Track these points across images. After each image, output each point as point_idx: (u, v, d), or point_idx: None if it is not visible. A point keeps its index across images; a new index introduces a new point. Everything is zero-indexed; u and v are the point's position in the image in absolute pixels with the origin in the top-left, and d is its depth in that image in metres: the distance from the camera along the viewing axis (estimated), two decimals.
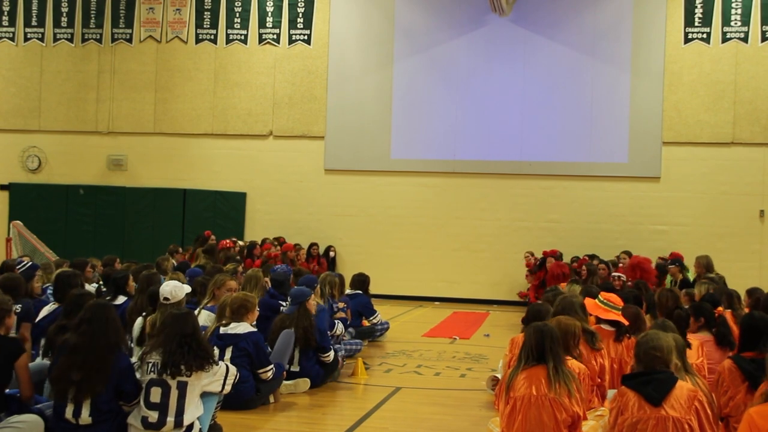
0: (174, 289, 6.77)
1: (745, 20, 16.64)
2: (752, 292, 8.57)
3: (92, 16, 18.96)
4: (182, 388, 5.30)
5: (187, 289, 7.02)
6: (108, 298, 7.76)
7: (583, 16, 17.37)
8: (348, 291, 11.29)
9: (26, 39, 19.12)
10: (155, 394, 5.28)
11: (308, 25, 18.18)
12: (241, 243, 16.09)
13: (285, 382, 7.39)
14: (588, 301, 6.93)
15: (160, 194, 18.39)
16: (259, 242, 16.09)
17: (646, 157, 17.01)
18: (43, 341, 6.91)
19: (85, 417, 5.16)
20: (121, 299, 7.82)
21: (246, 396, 6.74)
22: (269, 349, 7.31)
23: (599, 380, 6.28)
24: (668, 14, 16.98)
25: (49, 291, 8.52)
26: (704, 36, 16.81)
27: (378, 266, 16.52)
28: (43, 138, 19.04)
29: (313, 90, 18.13)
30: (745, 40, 16.64)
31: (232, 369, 5.71)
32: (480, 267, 17.45)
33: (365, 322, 10.86)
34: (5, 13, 19.21)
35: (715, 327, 6.68)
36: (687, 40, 16.90)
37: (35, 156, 19.05)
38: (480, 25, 17.58)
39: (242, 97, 18.37)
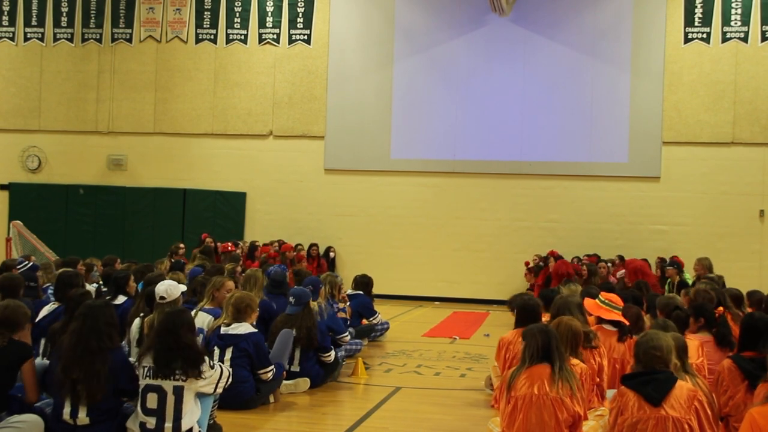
0: (168, 288, 6.75)
1: (745, 20, 16.64)
2: (752, 295, 8.60)
3: (92, 16, 18.96)
4: (178, 392, 5.24)
5: (183, 288, 6.99)
6: (108, 298, 7.74)
7: (583, 16, 17.37)
8: (349, 291, 11.30)
9: (26, 39, 19.12)
10: (152, 400, 5.24)
11: (308, 25, 18.18)
12: (241, 244, 16.11)
13: (285, 382, 7.39)
14: (588, 302, 6.92)
15: (160, 194, 18.39)
16: (260, 244, 16.12)
17: (646, 157, 17.01)
18: (43, 341, 6.91)
19: (83, 417, 5.15)
20: (121, 299, 7.80)
21: (246, 396, 6.74)
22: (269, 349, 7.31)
23: (597, 380, 6.28)
24: (668, 14, 16.98)
25: (49, 291, 8.51)
26: (704, 36, 16.82)
27: (378, 266, 16.51)
28: (43, 138, 19.04)
29: (313, 90, 18.14)
30: (745, 40, 16.65)
31: (226, 372, 5.67)
32: (480, 267, 17.45)
33: (365, 322, 10.85)
34: (5, 13, 19.22)
35: (715, 327, 6.68)
36: (687, 40, 16.90)
37: (35, 156, 19.05)
38: (480, 25, 17.58)
39: (242, 97, 18.37)
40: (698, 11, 16.85)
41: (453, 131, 17.65)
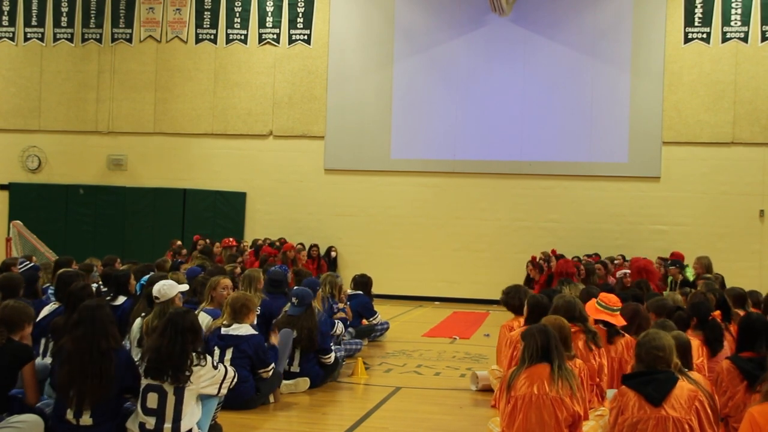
0: (162, 287, 6.74)
1: (745, 20, 16.64)
2: (750, 295, 8.59)
3: (92, 16, 18.96)
4: (179, 393, 5.23)
5: (181, 287, 6.98)
6: (108, 298, 7.73)
7: (583, 16, 17.37)
8: (349, 291, 11.29)
9: (26, 39, 19.13)
10: (152, 400, 5.23)
11: (308, 25, 18.19)
12: (243, 242, 16.13)
13: (285, 381, 7.39)
14: (588, 303, 6.91)
15: (160, 194, 18.39)
16: (261, 242, 16.11)
17: (646, 157, 17.02)
18: (43, 341, 6.91)
19: (86, 418, 5.14)
20: (121, 299, 7.80)
21: (246, 396, 6.74)
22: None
23: (597, 380, 6.28)
24: (668, 14, 16.98)
25: (50, 291, 8.50)
26: (704, 36, 16.82)
27: (378, 266, 16.52)
28: (43, 138, 19.04)
29: (313, 90, 18.14)
30: (745, 40, 16.65)
31: (230, 372, 5.66)
32: (480, 267, 17.45)
33: (365, 322, 10.85)
34: (5, 13, 19.22)
35: (706, 329, 6.66)
36: (687, 40, 16.90)
37: (35, 156, 19.05)
38: (480, 25, 17.59)
39: (242, 97, 18.37)
40: (698, 11, 16.86)
41: (453, 131, 17.65)
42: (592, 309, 6.66)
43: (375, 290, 11.93)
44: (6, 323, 5.36)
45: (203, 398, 5.47)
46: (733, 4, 16.70)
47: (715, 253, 14.48)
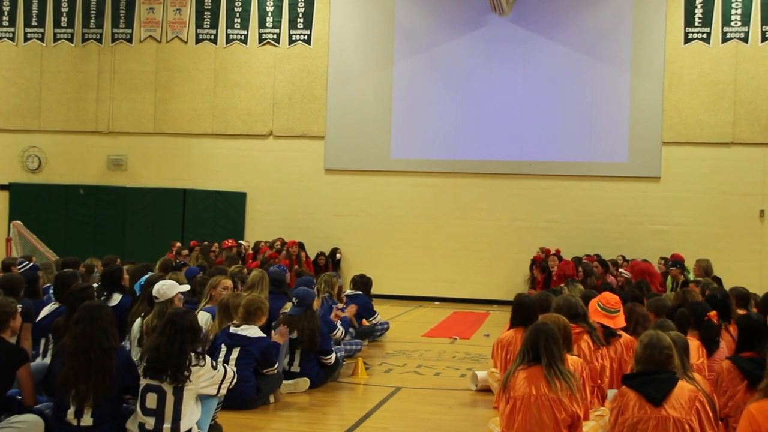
0: (162, 287, 6.75)
1: (745, 20, 16.64)
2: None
3: (92, 16, 18.96)
4: (178, 393, 5.23)
5: (180, 288, 6.98)
6: (102, 297, 7.70)
7: (583, 16, 17.37)
8: (348, 291, 11.29)
9: (26, 39, 19.13)
10: (151, 400, 5.23)
11: (308, 25, 18.18)
12: (244, 243, 16.11)
13: (285, 381, 7.39)
14: (590, 305, 6.91)
15: (160, 194, 18.39)
16: (261, 243, 16.11)
17: (646, 157, 17.02)
18: (43, 341, 6.91)
19: (87, 418, 5.14)
20: (116, 297, 7.79)
21: (247, 396, 6.74)
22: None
23: (599, 381, 6.28)
24: (668, 14, 16.98)
25: (50, 291, 8.50)
26: (704, 36, 16.82)
27: (378, 266, 16.54)
28: (43, 138, 19.04)
29: (313, 90, 18.14)
30: (745, 40, 16.65)
31: (230, 373, 5.65)
32: (480, 267, 17.45)
33: (365, 322, 10.85)
34: (5, 13, 19.22)
35: (701, 329, 6.66)
36: (687, 40, 16.90)
37: (35, 156, 19.05)
38: (480, 25, 17.59)
39: (242, 97, 18.37)
40: (698, 11, 16.86)
41: (453, 131, 17.65)
42: (593, 309, 6.67)
43: (375, 290, 11.93)
44: None
45: (203, 398, 5.47)
46: (733, 5, 16.70)
47: (715, 253, 14.51)
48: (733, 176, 16.69)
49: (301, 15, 18.22)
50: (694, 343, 6.12)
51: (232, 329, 6.91)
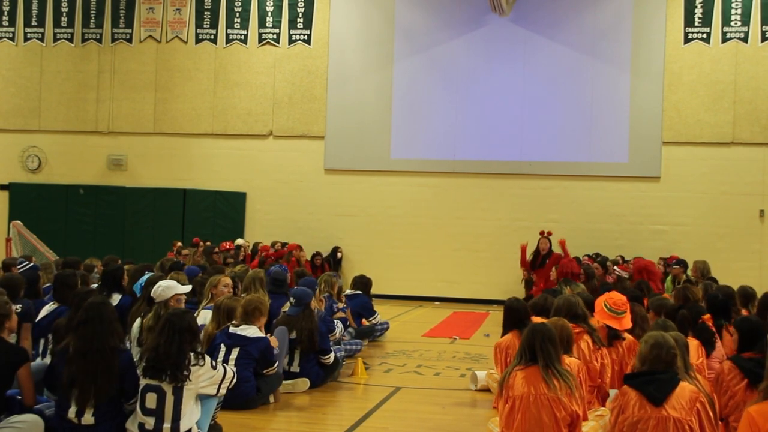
0: (159, 288, 6.75)
1: (745, 20, 16.64)
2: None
3: (92, 16, 18.96)
4: (178, 393, 5.23)
5: (180, 288, 6.98)
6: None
7: (583, 16, 17.37)
8: (348, 291, 11.29)
9: (26, 39, 19.12)
10: (150, 400, 5.23)
11: (308, 25, 18.18)
12: (242, 243, 16.10)
13: (284, 381, 7.39)
14: (597, 301, 6.89)
15: (160, 194, 18.39)
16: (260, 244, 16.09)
17: (646, 157, 17.02)
18: (42, 341, 6.91)
19: (88, 417, 5.14)
20: (116, 298, 7.79)
21: (246, 396, 6.74)
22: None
23: (599, 381, 6.28)
24: (668, 14, 16.98)
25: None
26: (704, 36, 16.82)
27: (378, 266, 16.54)
28: (43, 138, 19.04)
29: (313, 90, 18.14)
30: (745, 40, 16.65)
31: (230, 373, 5.65)
32: (480, 267, 17.45)
33: (365, 322, 10.85)
34: (5, 13, 19.22)
35: (695, 331, 6.66)
36: (687, 40, 16.90)
37: (35, 156, 19.05)
38: (480, 25, 17.59)
39: (242, 97, 18.37)
40: (698, 11, 16.85)
41: (453, 131, 17.65)
42: (599, 309, 6.65)
43: (375, 290, 11.92)
44: None
45: (203, 398, 5.47)
46: (733, 4, 16.70)
47: (715, 253, 14.51)
48: (733, 176, 16.69)
49: (301, 15, 18.22)
50: (693, 343, 6.13)
51: (232, 329, 6.91)
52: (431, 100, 17.77)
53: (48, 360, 6.20)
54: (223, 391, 5.60)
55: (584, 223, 17.20)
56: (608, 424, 4.91)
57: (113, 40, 18.86)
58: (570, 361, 5.47)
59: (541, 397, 4.92)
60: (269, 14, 18.33)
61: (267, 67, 18.33)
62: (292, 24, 18.25)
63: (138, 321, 6.99)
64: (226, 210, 18.36)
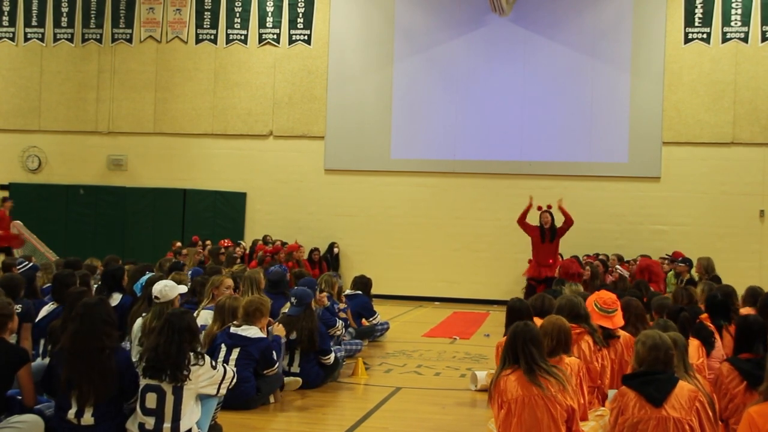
0: (163, 288, 6.75)
1: (745, 20, 16.64)
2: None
3: (92, 16, 18.96)
4: (178, 393, 5.23)
5: (181, 289, 6.98)
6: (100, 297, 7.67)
7: (583, 16, 17.38)
8: (348, 291, 11.29)
9: (26, 39, 19.13)
10: (150, 400, 5.23)
11: (308, 25, 18.19)
12: (243, 243, 16.12)
13: None
14: (588, 301, 6.90)
15: (160, 194, 18.39)
16: (260, 241, 16.11)
17: (646, 157, 17.02)
18: (42, 342, 6.91)
19: (88, 418, 5.14)
20: (116, 298, 7.78)
21: (247, 396, 6.74)
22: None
23: (599, 382, 6.27)
24: (668, 14, 16.98)
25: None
26: (704, 36, 16.82)
27: (378, 266, 16.54)
28: (43, 138, 19.04)
29: (313, 90, 18.14)
30: (745, 40, 16.65)
31: (230, 373, 5.65)
32: (480, 267, 17.45)
33: (365, 322, 10.85)
34: (5, 13, 19.22)
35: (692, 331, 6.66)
36: (687, 40, 16.91)
37: (35, 156, 19.05)
38: (480, 25, 17.59)
39: (242, 97, 18.37)
40: (698, 11, 16.86)
41: (453, 131, 17.65)
42: (590, 310, 6.65)
43: (375, 290, 11.92)
44: None
45: (203, 398, 5.47)
46: (733, 5, 16.70)
47: (715, 253, 14.46)
48: (733, 176, 16.69)
49: (301, 15, 18.22)
50: (694, 343, 6.12)
51: (232, 329, 6.92)
52: (431, 100, 17.77)
53: (48, 360, 6.19)
54: (223, 391, 5.60)
55: (584, 223, 17.11)
56: (608, 424, 4.90)
57: (113, 40, 18.87)
58: (570, 361, 5.46)
59: (535, 398, 4.88)
60: (269, 14, 18.33)
61: (267, 67, 18.33)
62: (292, 24, 18.25)
63: (139, 321, 6.99)
64: (226, 210, 18.36)
